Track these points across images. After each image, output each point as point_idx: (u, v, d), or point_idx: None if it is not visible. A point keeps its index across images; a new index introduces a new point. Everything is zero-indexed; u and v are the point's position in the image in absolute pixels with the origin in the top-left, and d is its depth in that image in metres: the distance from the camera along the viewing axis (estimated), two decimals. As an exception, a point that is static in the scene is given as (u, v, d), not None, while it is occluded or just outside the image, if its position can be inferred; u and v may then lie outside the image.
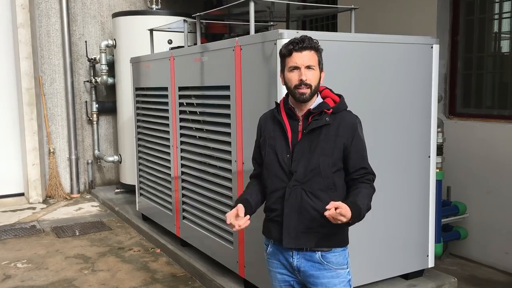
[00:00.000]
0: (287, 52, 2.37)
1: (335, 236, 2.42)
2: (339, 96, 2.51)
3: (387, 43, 3.78)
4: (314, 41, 2.38)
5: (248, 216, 2.38)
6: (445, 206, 4.89)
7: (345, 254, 2.49)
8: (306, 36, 2.39)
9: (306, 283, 2.49)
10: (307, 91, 2.34)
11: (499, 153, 4.75)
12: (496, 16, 5.03)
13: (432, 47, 3.98)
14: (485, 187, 4.88)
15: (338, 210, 2.14)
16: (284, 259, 2.50)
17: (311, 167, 2.36)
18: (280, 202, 2.43)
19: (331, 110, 2.40)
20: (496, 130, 4.80)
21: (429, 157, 4.06)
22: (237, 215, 2.35)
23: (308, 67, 2.34)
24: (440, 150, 4.51)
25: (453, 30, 5.29)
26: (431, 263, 4.17)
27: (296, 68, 2.34)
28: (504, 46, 5.06)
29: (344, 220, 2.17)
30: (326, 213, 2.17)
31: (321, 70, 2.42)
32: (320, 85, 2.46)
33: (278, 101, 2.57)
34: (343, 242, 2.47)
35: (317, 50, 2.39)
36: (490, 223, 4.86)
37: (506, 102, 4.91)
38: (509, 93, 4.90)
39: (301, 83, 2.33)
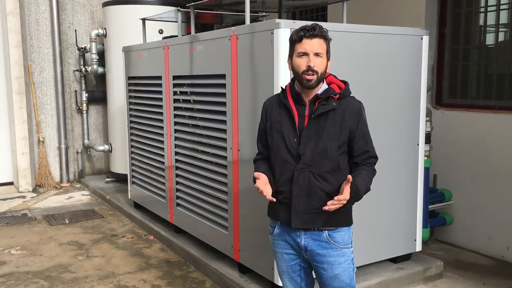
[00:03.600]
0: (297, 38, 2.43)
1: (341, 215, 2.53)
2: (344, 82, 2.59)
3: (378, 34, 3.89)
4: (324, 29, 2.45)
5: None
6: (432, 193, 5.05)
7: (350, 233, 2.60)
8: (317, 24, 2.45)
9: (312, 261, 2.58)
10: (313, 77, 2.42)
11: (483, 142, 4.92)
12: (482, 9, 5.19)
13: (422, 38, 4.11)
14: (470, 175, 5.05)
15: (334, 203, 2.36)
16: (291, 240, 2.58)
17: (318, 150, 2.45)
18: (288, 184, 2.50)
19: (337, 96, 2.48)
20: (481, 119, 4.96)
21: (418, 145, 4.20)
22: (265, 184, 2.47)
23: (317, 54, 2.41)
24: (428, 138, 4.65)
25: (441, 22, 5.43)
26: (418, 247, 4.33)
27: (305, 54, 2.41)
28: (490, 38, 5.22)
29: (343, 203, 2.38)
30: (326, 208, 2.36)
31: (328, 58, 2.49)
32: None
33: (284, 86, 2.62)
34: (348, 221, 2.59)
35: (326, 39, 2.46)
36: (474, 209, 5.04)
37: (491, 93, 5.07)
38: (494, 84, 5.06)
39: (309, 69, 2.40)
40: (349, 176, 2.37)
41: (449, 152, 5.22)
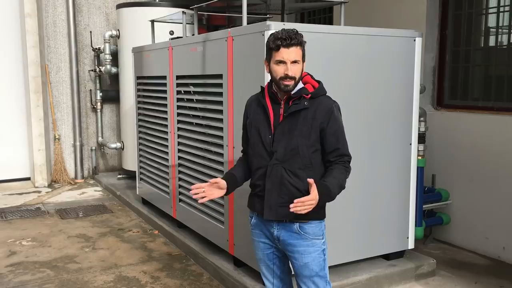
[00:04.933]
0: (275, 47, 2.54)
1: (312, 210, 2.56)
2: (318, 82, 2.70)
3: (371, 36, 3.99)
4: (299, 35, 2.55)
5: (221, 191, 2.74)
6: (429, 193, 5.11)
7: (321, 226, 2.71)
8: (293, 32, 2.54)
9: (285, 250, 2.74)
10: (291, 82, 2.55)
11: (482, 142, 4.96)
12: (483, 12, 5.22)
13: (415, 40, 4.19)
14: (469, 175, 5.10)
15: (297, 205, 2.41)
16: (266, 230, 2.74)
17: (290, 148, 2.59)
18: (262, 178, 2.66)
19: (309, 95, 2.60)
20: (480, 121, 5.00)
21: (411, 144, 4.28)
22: (213, 184, 2.71)
23: (294, 61, 2.53)
24: (422, 138, 4.72)
25: (442, 24, 5.48)
26: (411, 245, 4.40)
27: (283, 62, 2.53)
28: (491, 40, 5.25)
29: (312, 204, 2.43)
30: (292, 210, 2.42)
31: (303, 61, 2.61)
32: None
33: (264, 86, 2.78)
34: (319, 215, 2.69)
35: (302, 44, 2.57)
36: (472, 209, 5.08)
37: (490, 94, 5.11)
38: (494, 86, 5.10)
39: (286, 76, 2.53)
40: (310, 180, 2.47)
41: (449, 153, 5.27)
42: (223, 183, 2.74)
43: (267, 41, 2.60)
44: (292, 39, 2.51)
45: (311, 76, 2.73)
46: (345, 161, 2.66)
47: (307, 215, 2.57)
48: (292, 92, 2.60)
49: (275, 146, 2.61)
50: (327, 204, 2.70)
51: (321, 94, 2.66)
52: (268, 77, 3.50)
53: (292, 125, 2.59)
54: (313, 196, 2.43)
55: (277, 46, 2.52)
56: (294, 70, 2.54)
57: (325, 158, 2.66)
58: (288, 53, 2.51)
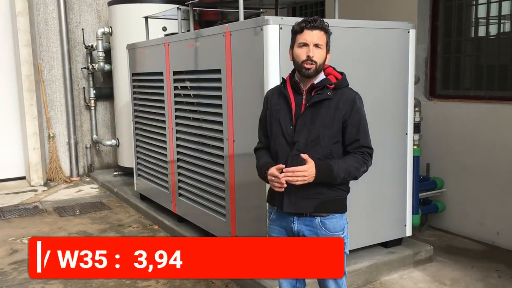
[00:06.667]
0: (299, 29, 2.56)
1: (333, 202, 2.64)
2: (341, 73, 2.69)
3: (366, 28, 4.07)
4: (325, 23, 2.57)
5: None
6: (424, 181, 5.22)
7: (342, 220, 2.71)
8: (318, 17, 2.58)
9: None
10: (312, 66, 2.54)
11: (474, 131, 5.07)
12: (473, 2, 5.32)
13: (408, 32, 4.27)
14: (462, 163, 5.21)
15: (288, 174, 2.46)
16: (286, 225, 2.70)
17: (311, 138, 2.56)
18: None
19: (333, 86, 2.59)
20: (472, 109, 5.11)
21: (406, 134, 4.38)
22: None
23: (316, 45, 2.53)
24: (417, 128, 4.82)
25: (433, 16, 5.58)
26: (408, 232, 4.51)
27: (305, 44, 2.53)
28: (481, 30, 5.36)
29: (305, 176, 2.46)
30: (283, 179, 2.47)
31: (327, 51, 2.61)
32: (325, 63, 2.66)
33: (285, 77, 2.74)
34: (340, 208, 2.69)
35: (327, 31, 2.58)
36: (466, 196, 5.20)
37: (482, 84, 5.22)
38: (485, 75, 5.21)
39: (308, 59, 2.52)
40: (303, 155, 2.47)
41: (442, 142, 5.38)
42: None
43: (293, 27, 2.61)
44: (317, 22, 2.53)
45: (334, 68, 2.72)
46: (364, 152, 2.64)
47: (328, 208, 2.58)
48: (315, 82, 2.60)
49: (296, 136, 2.58)
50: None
51: (344, 86, 2.66)
52: (268, 71, 3.64)
53: (314, 115, 2.57)
54: (305, 168, 2.46)
55: (301, 28, 2.55)
56: (316, 54, 2.53)
57: (345, 149, 2.64)
58: (312, 35, 2.53)
